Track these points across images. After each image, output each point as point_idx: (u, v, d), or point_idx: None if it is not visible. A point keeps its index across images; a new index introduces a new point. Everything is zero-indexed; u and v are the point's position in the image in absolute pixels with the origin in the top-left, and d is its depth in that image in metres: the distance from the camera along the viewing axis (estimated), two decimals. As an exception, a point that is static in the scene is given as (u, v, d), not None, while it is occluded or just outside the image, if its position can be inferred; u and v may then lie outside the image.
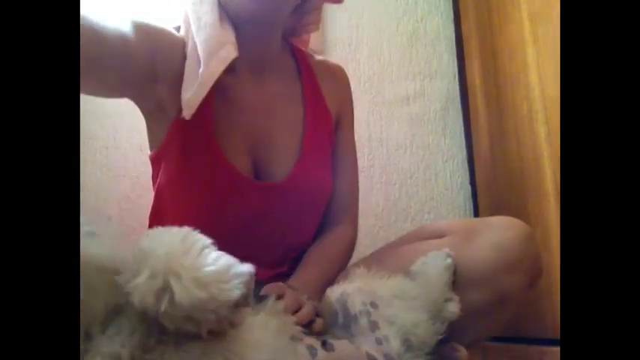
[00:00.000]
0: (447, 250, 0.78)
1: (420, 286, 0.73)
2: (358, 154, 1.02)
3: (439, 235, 0.85)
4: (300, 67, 0.95)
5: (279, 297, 0.65)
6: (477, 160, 1.48)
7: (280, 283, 0.73)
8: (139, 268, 0.47)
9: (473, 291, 0.76)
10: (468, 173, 1.52)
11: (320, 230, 0.94)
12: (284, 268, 0.88)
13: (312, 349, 0.60)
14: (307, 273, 0.83)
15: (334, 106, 0.96)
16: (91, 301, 0.46)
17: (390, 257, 0.87)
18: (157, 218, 0.86)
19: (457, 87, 1.56)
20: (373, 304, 0.68)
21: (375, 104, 1.48)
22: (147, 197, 0.98)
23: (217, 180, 0.81)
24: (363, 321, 0.67)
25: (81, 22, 0.64)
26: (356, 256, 0.96)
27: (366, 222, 1.36)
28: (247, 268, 0.49)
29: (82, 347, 0.46)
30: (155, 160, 0.85)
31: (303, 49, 0.99)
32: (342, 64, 1.04)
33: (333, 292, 0.71)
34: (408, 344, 0.65)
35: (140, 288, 0.46)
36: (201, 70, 0.77)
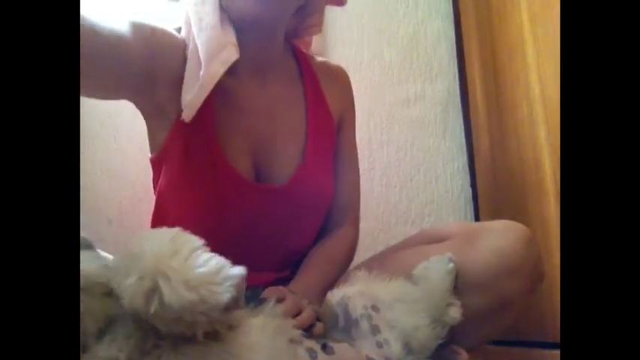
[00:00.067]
0: (449, 254, 0.77)
1: (421, 290, 0.73)
2: (358, 157, 1.02)
3: (440, 239, 0.85)
4: (302, 69, 0.94)
5: (280, 301, 0.65)
6: (477, 161, 1.48)
7: (281, 287, 0.73)
8: (128, 269, 0.46)
9: (474, 295, 0.76)
10: (468, 176, 1.52)
11: (321, 232, 0.94)
12: (285, 272, 0.88)
13: (312, 352, 0.60)
14: (308, 277, 0.83)
15: (336, 109, 0.96)
16: (82, 319, 0.45)
17: (390, 261, 0.87)
18: (159, 221, 0.86)
19: (457, 90, 1.56)
20: (374, 308, 0.68)
21: (375, 107, 1.47)
22: (147, 199, 0.98)
23: (219, 182, 0.80)
24: (364, 324, 0.66)
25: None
26: (356, 259, 0.95)
27: (367, 225, 1.35)
28: (238, 270, 0.49)
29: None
30: (156, 163, 0.85)
31: (305, 50, 0.99)
32: (342, 66, 1.04)
33: (334, 296, 0.71)
34: (408, 348, 0.65)
35: (129, 290, 0.45)
36: (201, 72, 0.76)
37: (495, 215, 1.35)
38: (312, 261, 0.87)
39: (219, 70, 0.76)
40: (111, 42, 0.70)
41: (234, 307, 0.48)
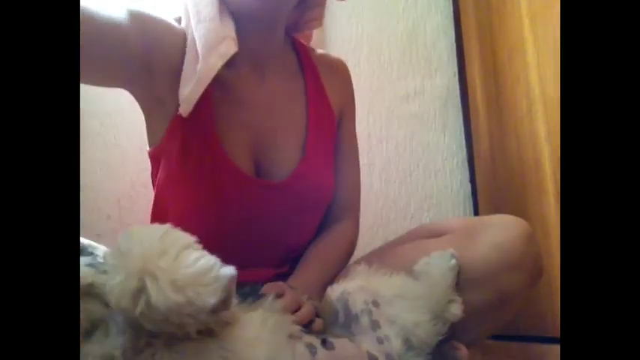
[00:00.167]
0: (451, 250, 0.77)
1: (423, 286, 0.72)
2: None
3: (439, 233, 0.85)
4: (303, 62, 0.93)
5: (279, 296, 0.65)
6: (476, 159, 1.48)
7: (280, 283, 0.72)
8: (115, 268, 0.45)
9: (473, 291, 0.76)
10: (467, 172, 1.52)
11: (321, 227, 0.93)
12: (285, 268, 0.87)
13: (311, 348, 0.60)
14: (307, 272, 0.83)
15: (337, 103, 0.95)
16: None
17: (389, 256, 0.86)
18: (158, 215, 0.85)
19: (457, 85, 1.56)
20: (375, 303, 0.68)
21: (374, 102, 1.47)
22: (146, 196, 0.98)
23: (218, 177, 0.80)
24: (365, 320, 0.66)
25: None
26: (355, 255, 0.95)
27: (366, 220, 1.35)
28: (228, 271, 0.47)
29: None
30: (154, 157, 0.84)
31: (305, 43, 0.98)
32: (341, 60, 1.04)
33: (334, 291, 0.70)
34: (409, 344, 0.65)
35: (116, 290, 0.45)
36: (199, 65, 0.75)
37: (494, 211, 1.35)
38: (312, 256, 0.86)
39: (216, 63, 0.75)
40: (108, 29, 0.70)
41: (222, 308, 0.47)
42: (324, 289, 0.74)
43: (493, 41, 1.41)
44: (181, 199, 0.81)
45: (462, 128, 1.54)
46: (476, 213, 1.47)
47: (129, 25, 0.73)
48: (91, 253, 0.52)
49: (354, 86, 1.02)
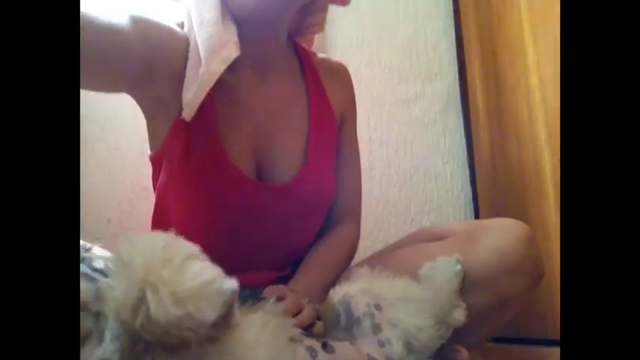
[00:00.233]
0: (457, 256, 0.76)
1: (427, 290, 0.72)
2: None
3: (440, 237, 0.85)
4: (304, 65, 0.94)
5: (280, 299, 0.65)
6: (477, 162, 1.48)
7: (281, 286, 0.72)
8: (117, 277, 0.45)
9: (474, 294, 0.76)
10: (468, 175, 1.52)
11: (322, 230, 0.93)
12: (286, 271, 0.87)
13: (312, 351, 0.60)
14: (308, 275, 0.83)
15: (338, 106, 0.95)
16: None
17: (390, 259, 0.86)
18: (159, 218, 0.85)
19: (457, 89, 1.56)
20: (377, 306, 0.67)
21: (375, 106, 1.47)
22: (146, 200, 0.98)
23: (219, 180, 0.80)
24: (366, 323, 0.66)
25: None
26: (356, 258, 0.95)
27: (366, 224, 1.35)
28: (230, 285, 0.46)
29: None
30: (156, 160, 0.84)
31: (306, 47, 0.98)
32: (342, 64, 1.04)
33: (336, 294, 0.70)
34: (410, 347, 0.65)
35: (116, 301, 0.44)
36: (201, 69, 0.75)
37: (495, 214, 1.35)
38: (313, 259, 0.87)
39: (219, 67, 0.75)
40: (108, 35, 0.69)
41: (222, 323, 0.46)
42: (325, 292, 0.74)
43: (493, 45, 1.41)
44: (183, 202, 0.81)
45: (463, 132, 1.54)
46: (476, 216, 1.48)
47: (131, 31, 0.73)
48: (83, 259, 0.52)
49: (355, 90, 1.02)
